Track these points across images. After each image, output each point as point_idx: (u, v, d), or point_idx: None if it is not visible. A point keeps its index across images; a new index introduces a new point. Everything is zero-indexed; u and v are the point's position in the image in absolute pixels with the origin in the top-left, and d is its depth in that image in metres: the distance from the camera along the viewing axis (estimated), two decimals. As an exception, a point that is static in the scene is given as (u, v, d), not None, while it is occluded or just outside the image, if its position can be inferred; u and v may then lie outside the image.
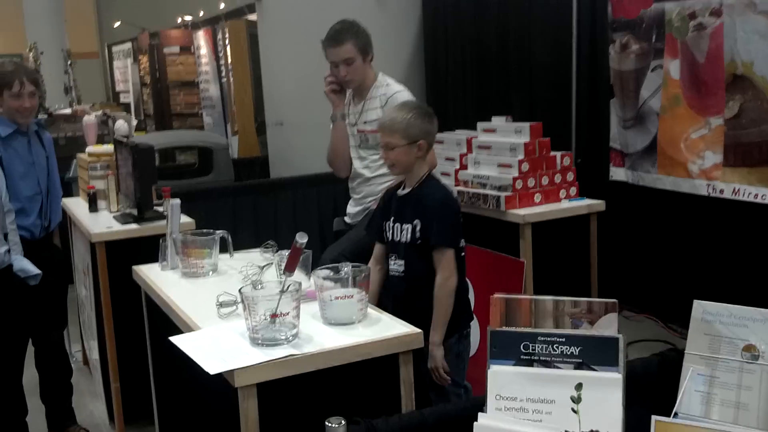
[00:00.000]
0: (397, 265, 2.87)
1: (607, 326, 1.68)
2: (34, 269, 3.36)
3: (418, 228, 2.79)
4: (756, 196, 3.98)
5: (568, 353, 1.64)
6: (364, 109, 3.64)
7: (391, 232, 2.91)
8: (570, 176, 3.89)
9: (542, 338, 1.65)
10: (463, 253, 2.90)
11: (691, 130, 4.32)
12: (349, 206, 3.79)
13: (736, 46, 3.96)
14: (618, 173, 4.95)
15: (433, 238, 2.76)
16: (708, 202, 4.34)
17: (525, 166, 3.74)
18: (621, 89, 4.84)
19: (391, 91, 3.56)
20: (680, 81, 4.36)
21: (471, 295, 3.88)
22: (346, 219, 3.78)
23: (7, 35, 14.25)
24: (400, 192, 2.92)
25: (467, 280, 3.90)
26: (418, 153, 2.82)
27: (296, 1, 6.47)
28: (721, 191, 4.16)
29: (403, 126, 2.80)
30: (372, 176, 3.62)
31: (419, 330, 2.18)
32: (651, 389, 1.85)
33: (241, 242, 3.26)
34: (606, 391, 1.61)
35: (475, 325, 3.84)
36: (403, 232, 2.85)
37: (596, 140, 5.19)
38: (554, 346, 1.64)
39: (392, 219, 2.90)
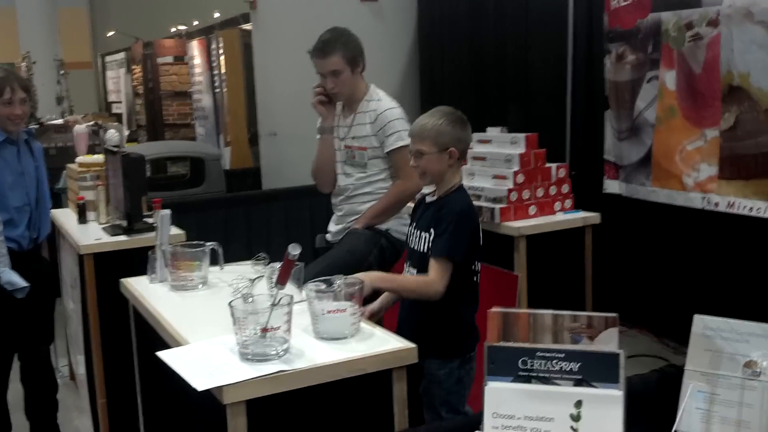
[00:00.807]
0: (409, 274, 2.79)
1: (608, 341, 1.64)
2: (21, 282, 3.31)
3: (431, 238, 2.70)
4: (751, 209, 3.95)
5: (568, 369, 1.59)
6: (353, 124, 3.55)
7: (411, 238, 2.83)
8: (565, 188, 3.86)
9: (541, 354, 1.61)
10: (475, 278, 2.78)
11: (687, 142, 4.30)
12: (330, 224, 3.71)
13: (733, 57, 3.93)
14: (612, 186, 4.92)
15: (436, 249, 2.66)
16: (703, 216, 4.31)
17: (520, 178, 3.71)
18: (616, 100, 4.81)
19: (382, 108, 3.47)
20: (676, 92, 4.34)
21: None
22: (328, 237, 3.71)
23: (0, 45, 14.23)
24: (429, 198, 2.83)
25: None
26: (450, 161, 2.72)
27: (291, 11, 6.46)
28: (716, 204, 4.13)
29: (433, 133, 2.70)
30: (354, 194, 3.55)
31: (413, 345, 2.13)
32: (650, 406, 1.82)
33: (233, 254, 3.21)
34: (606, 408, 1.57)
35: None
36: (418, 240, 2.77)
37: (591, 152, 5.17)
38: (553, 362, 1.60)
39: (414, 226, 2.83)
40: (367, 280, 2.51)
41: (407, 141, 3.26)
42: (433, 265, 2.65)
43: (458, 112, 2.85)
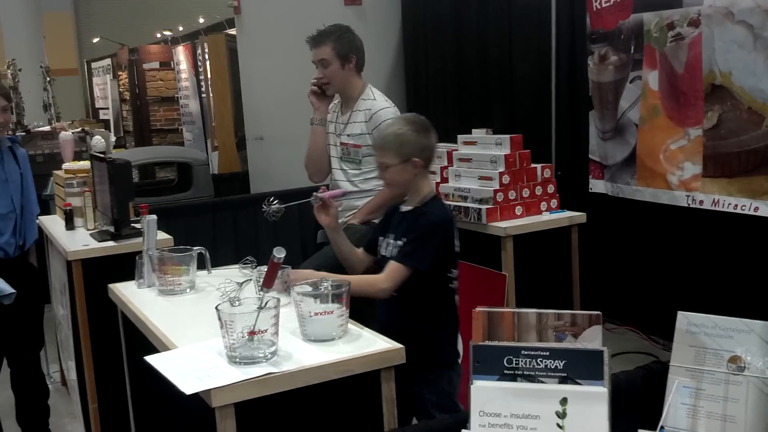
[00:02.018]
0: None
1: (592, 339, 1.65)
2: (8, 288, 3.30)
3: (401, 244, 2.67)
4: (735, 206, 3.98)
5: (552, 367, 1.61)
6: (349, 122, 3.63)
7: (383, 246, 2.80)
8: (551, 188, 3.88)
9: (526, 352, 1.62)
10: (452, 284, 2.77)
11: (670, 141, 4.33)
12: None
13: (715, 56, 3.97)
14: (597, 185, 4.95)
15: (399, 254, 2.63)
16: (688, 213, 4.34)
17: (506, 179, 3.73)
18: (600, 101, 4.84)
19: (376, 107, 3.53)
20: (659, 92, 4.37)
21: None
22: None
23: (-16, 52, 14.16)
24: (403, 208, 2.80)
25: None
26: (415, 170, 2.68)
27: (275, 16, 6.46)
28: (701, 202, 4.16)
29: (395, 144, 2.66)
30: (351, 190, 3.59)
31: (400, 345, 2.14)
32: (636, 403, 1.83)
33: (221, 258, 3.23)
34: (591, 405, 1.58)
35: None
36: (391, 248, 2.74)
37: (575, 152, 5.19)
38: (538, 360, 1.61)
39: (388, 234, 2.79)
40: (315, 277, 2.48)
41: None
42: (389, 267, 2.63)
43: (422, 118, 2.82)
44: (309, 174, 3.80)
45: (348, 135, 3.61)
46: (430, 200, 2.74)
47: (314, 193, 2.80)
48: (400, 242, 2.69)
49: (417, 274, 2.63)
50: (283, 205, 2.87)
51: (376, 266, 2.81)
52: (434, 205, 2.74)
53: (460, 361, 2.82)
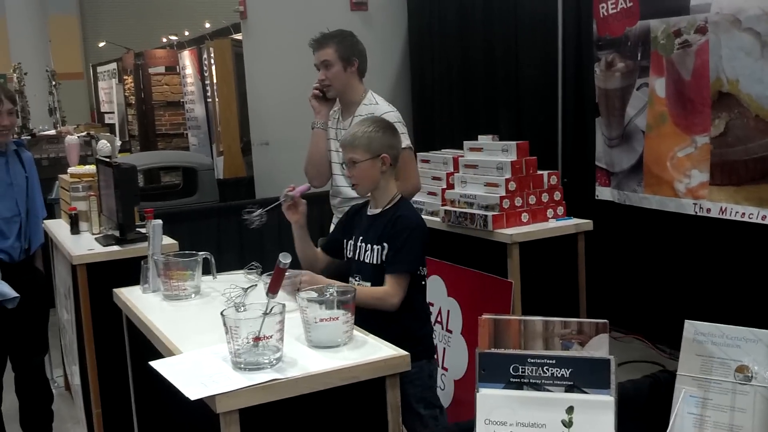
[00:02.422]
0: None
1: (598, 347, 1.64)
2: (11, 292, 3.29)
3: (385, 252, 2.76)
4: (743, 214, 3.96)
5: (559, 375, 1.60)
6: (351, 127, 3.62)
7: (355, 251, 2.88)
8: (557, 195, 3.87)
9: (532, 360, 1.62)
10: (423, 282, 2.89)
11: (678, 148, 4.31)
12: (332, 226, 3.74)
13: (722, 64, 3.96)
14: (604, 192, 4.93)
15: (395, 264, 2.73)
16: (695, 221, 4.32)
17: (512, 185, 3.72)
18: (606, 108, 4.83)
19: (380, 111, 3.52)
20: (666, 99, 4.35)
21: (458, 316, 3.86)
22: None
23: (-9, 56, 14.21)
24: (370, 211, 2.89)
25: (454, 299, 3.89)
26: (383, 167, 2.80)
27: (281, 20, 6.47)
28: (708, 210, 4.15)
29: (365, 140, 2.78)
30: (353, 195, 3.58)
31: (406, 353, 2.13)
32: (643, 412, 1.82)
33: (226, 263, 3.22)
34: (598, 414, 1.57)
35: (461, 345, 3.82)
36: (368, 252, 2.82)
37: (582, 159, 5.18)
38: (544, 368, 1.61)
39: (359, 238, 2.87)
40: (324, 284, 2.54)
41: (406, 143, 3.34)
42: (391, 280, 2.72)
43: (387, 120, 2.97)
44: (309, 178, 3.78)
45: None
46: (398, 201, 2.86)
47: (285, 192, 2.91)
48: (378, 247, 2.78)
49: None
50: (264, 210, 2.92)
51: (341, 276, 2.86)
52: (406, 206, 2.87)
53: (435, 356, 2.96)
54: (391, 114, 3.52)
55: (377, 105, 3.58)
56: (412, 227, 2.77)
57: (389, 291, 2.71)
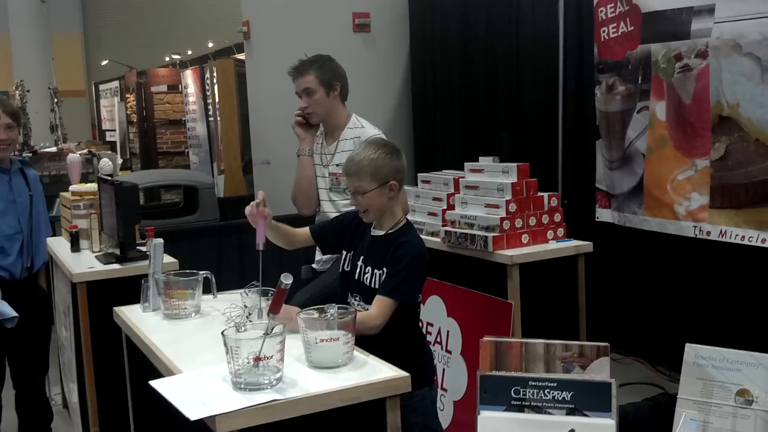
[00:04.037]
0: (362, 309, 2.72)
1: (599, 371, 1.64)
2: (10, 312, 3.29)
3: (384, 276, 2.67)
4: (743, 237, 3.97)
5: (560, 398, 1.60)
6: (336, 151, 3.60)
7: (354, 270, 2.80)
8: (557, 217, 3.88)
9: (533, 383, 1.62)
10: (419, 309, 2.82)
11: (678, 171, 4.32)
12: (317, 252, 3.72)
13: (722, 88, 3.97)
14: (604, 214, 4.94)
15: (389, 288, 2.61)
16: (695, 244, 4.33)
17: (512, 207, 3.72)
18: (607, 130, 4.85)
19: (365, 134, 3.51)
20: (666, 122, 4.37)
21: (458, 337, 3.85)
22: (315, 266, 3.72)
23: (-6, 73, 14.28)
24: (374, 232, 2.79)
25: (453, 320, 3.89)
26: (390, 194, 2.69)
27: (284, 41, 6.50)
28: (708, 233, 4.15)
29: (371, 168, 2.65)
30: None
31: (406, 374, 2.13)
32: (644, 435, 1.81)
33: (226, 282, 3.21)
34: (598, 438, 1.57)
35: (461, 366, 3.81)
36: (367, 275, 2.74)
37: (582, 181, 5.19)
38: (545, 391, 1.61)
39: (360, 257, 2.79)
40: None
41: None
42: (380, 302, 2.60)
43: (391, 142, 2.86)
44: (298, 206, 3.74)
45: (337, 165, 3.56)
46: (404, 226, 2.77)
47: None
48: (380, 272, 2.69)
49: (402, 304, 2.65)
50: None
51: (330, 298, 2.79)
52: (411, 232, 2.77)
53: (435, 378, 2.88)
54: (380, 137, 3.52)
55: (363, 128, 3.57)
56: (415, 254, 2.66)
57: (372, 314, 2.59)
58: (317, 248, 3.65)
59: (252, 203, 2.75)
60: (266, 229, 2.76)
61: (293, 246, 2.98)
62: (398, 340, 2.66)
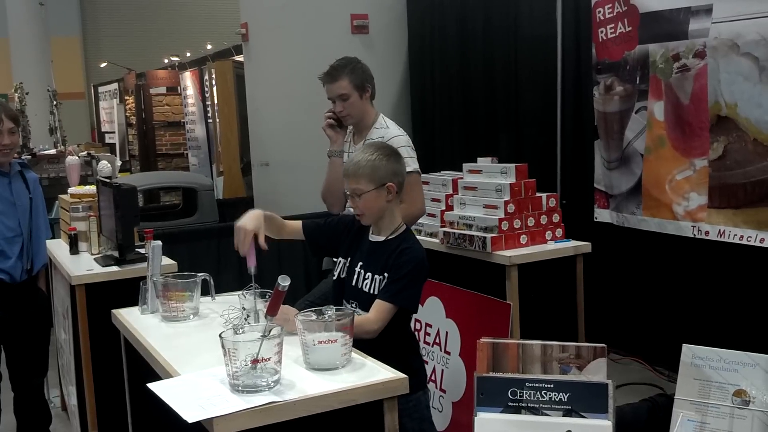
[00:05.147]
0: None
1: (596, 372, 1.64)
2: None
3: (384, 282, 2.65)
4: (741, 237, 3.97)
5: (557, 400, 1.60)
6: None
7: (352, 276, 2.77)
8: (556, 218, 3.88)
9: (530, 384, 1.62)
10: (414, 313, 2.81)
11: (676, 171, 4.32)
12: None
13: (720, 88, 3.98)
14: (603, 215, 4.94)
15: (390, 294, 2.60)
16: (694, 244, 4.33)
17: (511, 207, 3.73)
18: (605, 131, 4.85)
19: (390, 135, 3.54)
20: (664, 122, 4.37)
21: (456, 337, 3.85)
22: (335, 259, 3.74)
23: (-7, 76, 14.28)
24: (372, 237, 2.78)
25: (452, 321, 3.89)
26: (388, 197, 2.69)
27: (282, 43, 6.50)
28: (707, 233, 4.15)
29: (369, 169, 2.65)
30: None
31: (404, 375, 2.13)
32: (641, 436, 1.82)
33: (225, 284, 3.22)
34: (595, 439, 1.57)
35: (459, 367, 3.81)
36: (366, 281, 2.72)
37: (581, 181, 5.19)
38: (542, 393, 1.61)
39: (358, 263, 2.77)
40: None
41: (413, 167, 3.35)
42: (379, 307, 2.59)
43: (390, 145, 2.86)
44: (328, 205, 3.79)
45: None
46: (404, 232, 2.75)
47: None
48: (380, 277, 2.67)
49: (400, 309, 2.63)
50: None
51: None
52: (411, 238, 2.75)
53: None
54: (401, 138, 3.55)
55: (387, 129, 3.60)
56: (417, 261, 2.65)
57: (371, 318, 2.57)
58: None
59: (245, 238, 2.69)
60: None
61: (280, 236, 2.91)
62: (394, 345, 2.64)
